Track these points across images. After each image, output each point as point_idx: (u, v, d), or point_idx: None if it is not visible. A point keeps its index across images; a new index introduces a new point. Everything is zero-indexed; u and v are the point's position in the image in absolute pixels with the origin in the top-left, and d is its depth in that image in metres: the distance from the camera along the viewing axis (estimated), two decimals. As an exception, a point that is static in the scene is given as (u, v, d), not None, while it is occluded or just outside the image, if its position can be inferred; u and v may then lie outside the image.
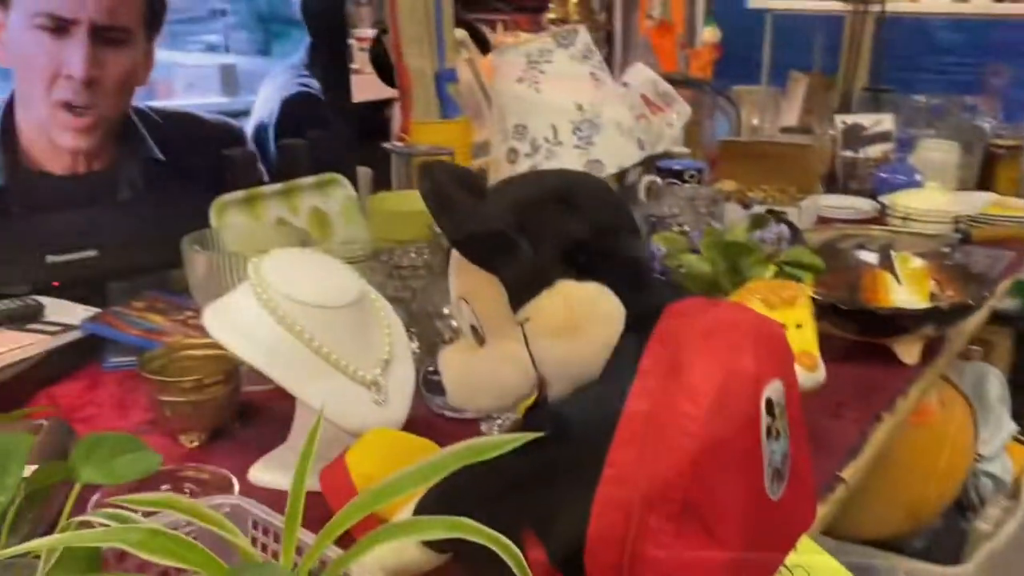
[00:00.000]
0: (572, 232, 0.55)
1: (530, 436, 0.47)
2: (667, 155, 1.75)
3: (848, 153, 1.90)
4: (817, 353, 0.85)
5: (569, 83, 1.39)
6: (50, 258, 1.20)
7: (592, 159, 1.39)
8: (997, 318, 1.74)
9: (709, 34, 1.99)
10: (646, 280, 0.58)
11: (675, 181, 1.52)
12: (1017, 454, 1.74)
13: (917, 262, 1.24)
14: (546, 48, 1.39)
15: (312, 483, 0.72)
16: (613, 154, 1.40)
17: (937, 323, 1.09)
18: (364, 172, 1.72)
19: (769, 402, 0.55)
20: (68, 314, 1.12)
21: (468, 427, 0.85)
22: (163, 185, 1.28)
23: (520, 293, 0.55)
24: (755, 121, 2.31)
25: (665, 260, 0.96)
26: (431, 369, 0.60)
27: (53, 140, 1.14)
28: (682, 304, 0.56)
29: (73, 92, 1.12)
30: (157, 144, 1.28)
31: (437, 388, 0.60)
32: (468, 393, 0.59)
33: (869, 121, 1.91)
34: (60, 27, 1.10)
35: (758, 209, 1.63)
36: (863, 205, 1.76)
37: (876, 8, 2.02)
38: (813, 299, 1.07)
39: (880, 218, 1.70)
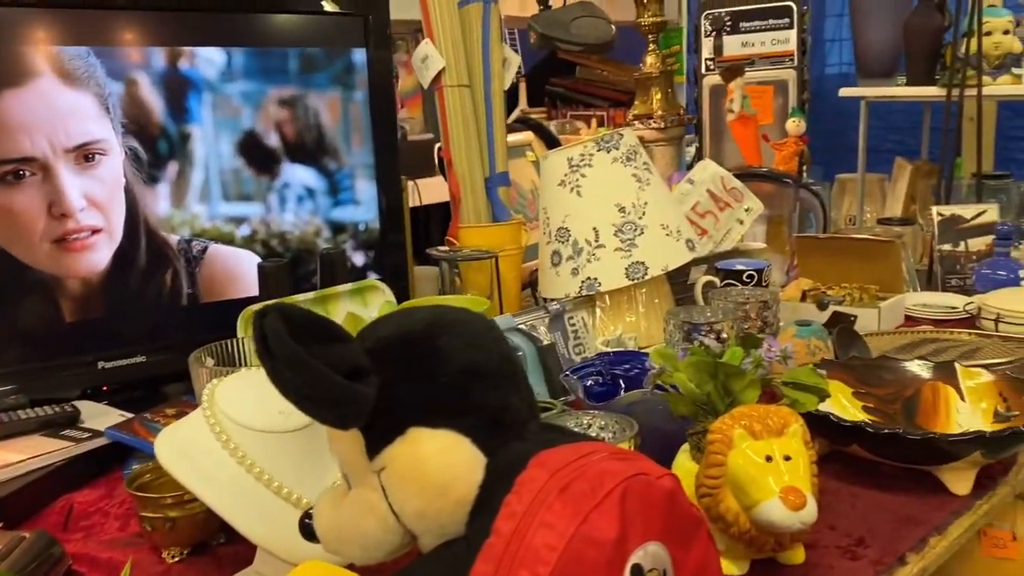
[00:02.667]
0: (429, 375, 0.52)
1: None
2: (739, 253, 1.68)
3: (947, 247, 1.75)
4: (807, 490, 0.76)
5: (610, 186, 1.36)
6: (102, 364, 1.27)
7: (635, 261, 1.35)
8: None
9: (792, 125, 1.91)
10: (514, 427, 0.54)
11: (733, 282, 1.44)
12: None
13: (985, 376, 1.11)
14: (587, 152, 1.38)
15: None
16: (658, 256, 1.36)
17: (987, 449, 0.95)
18: (429, 272, 1.74)
19: (638, 569, 0.49)
20: (104, 420, 1.17)
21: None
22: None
23: (371, 441, 0.52)
24: (854, 212, 2.19)
25: (657, 378, 0.90)
26: (309, 512, 0.58)
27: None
28: (550, 453, 0.52)
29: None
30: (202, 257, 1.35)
31: (313, 535, 0.57)
32: (336, 542, 0.56)
33: (971, 212, 1.77)
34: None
35: (833, 308, 1.52)
36: (958, 304, 1.61)
37: (972, 93, 1.88)
38: (838, 421, 0.98)
39: (974, 319, 1.55)
